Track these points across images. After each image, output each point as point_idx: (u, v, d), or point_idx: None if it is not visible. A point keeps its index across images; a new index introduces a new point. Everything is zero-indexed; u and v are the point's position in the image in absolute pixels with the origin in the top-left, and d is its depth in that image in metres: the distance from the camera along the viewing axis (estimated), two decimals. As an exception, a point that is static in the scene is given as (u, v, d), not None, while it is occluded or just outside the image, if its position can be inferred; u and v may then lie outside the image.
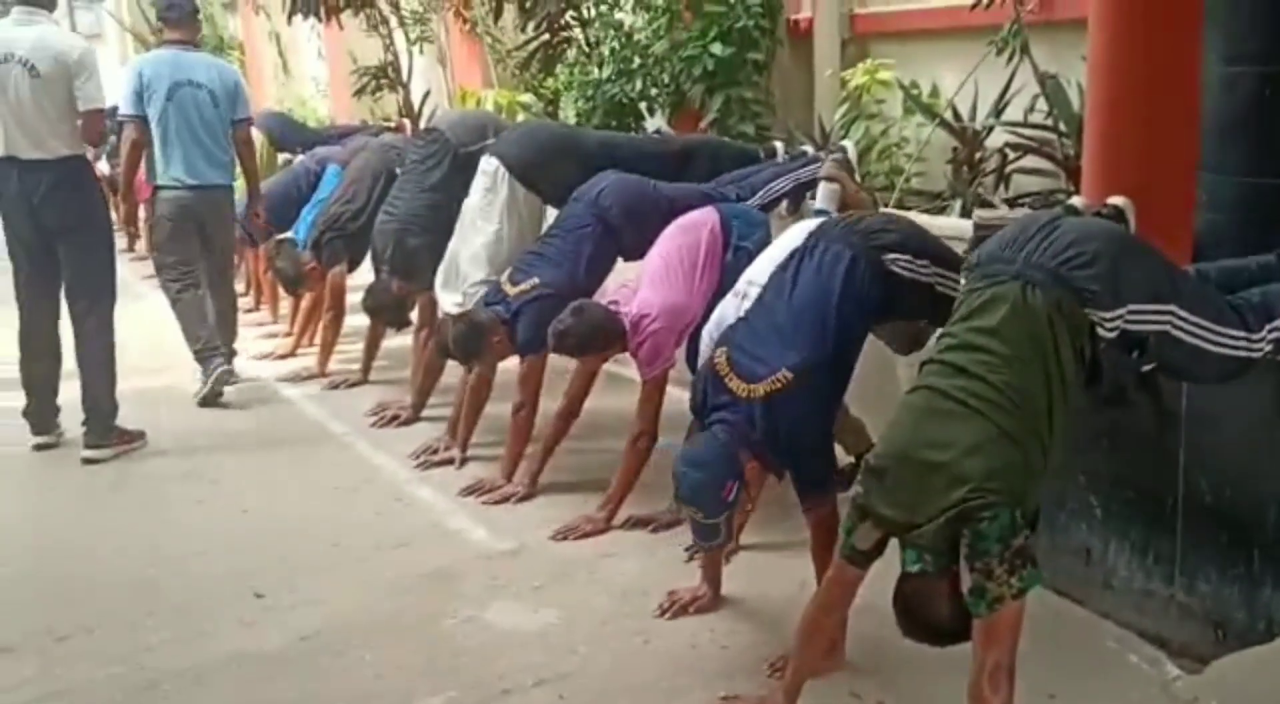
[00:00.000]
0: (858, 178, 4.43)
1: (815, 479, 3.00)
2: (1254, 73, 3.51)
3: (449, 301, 4.69)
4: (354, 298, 5.76)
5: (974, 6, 4.53)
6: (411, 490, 4.47)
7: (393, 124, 8.39)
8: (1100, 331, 2.35)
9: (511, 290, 4.27)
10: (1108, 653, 3.00)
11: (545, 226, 4.66)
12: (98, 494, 4.60)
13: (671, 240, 3.91)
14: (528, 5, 6.70)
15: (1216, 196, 3.63)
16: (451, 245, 4.79)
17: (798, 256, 3.11)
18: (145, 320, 6.90)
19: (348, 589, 3.61)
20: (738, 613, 3.30)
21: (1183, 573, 3.34)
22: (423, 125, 7.07)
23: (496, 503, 4.26)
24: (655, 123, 6.25)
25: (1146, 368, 2.52)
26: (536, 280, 4.23)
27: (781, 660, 2.88)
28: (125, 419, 5.09)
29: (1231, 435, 3.19)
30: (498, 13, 7.03)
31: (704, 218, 3.92)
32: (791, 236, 3.38)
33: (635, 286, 3.91)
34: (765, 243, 3.72)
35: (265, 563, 3.81)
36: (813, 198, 4.20)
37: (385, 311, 5.36)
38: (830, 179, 4.01)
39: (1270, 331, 2.54)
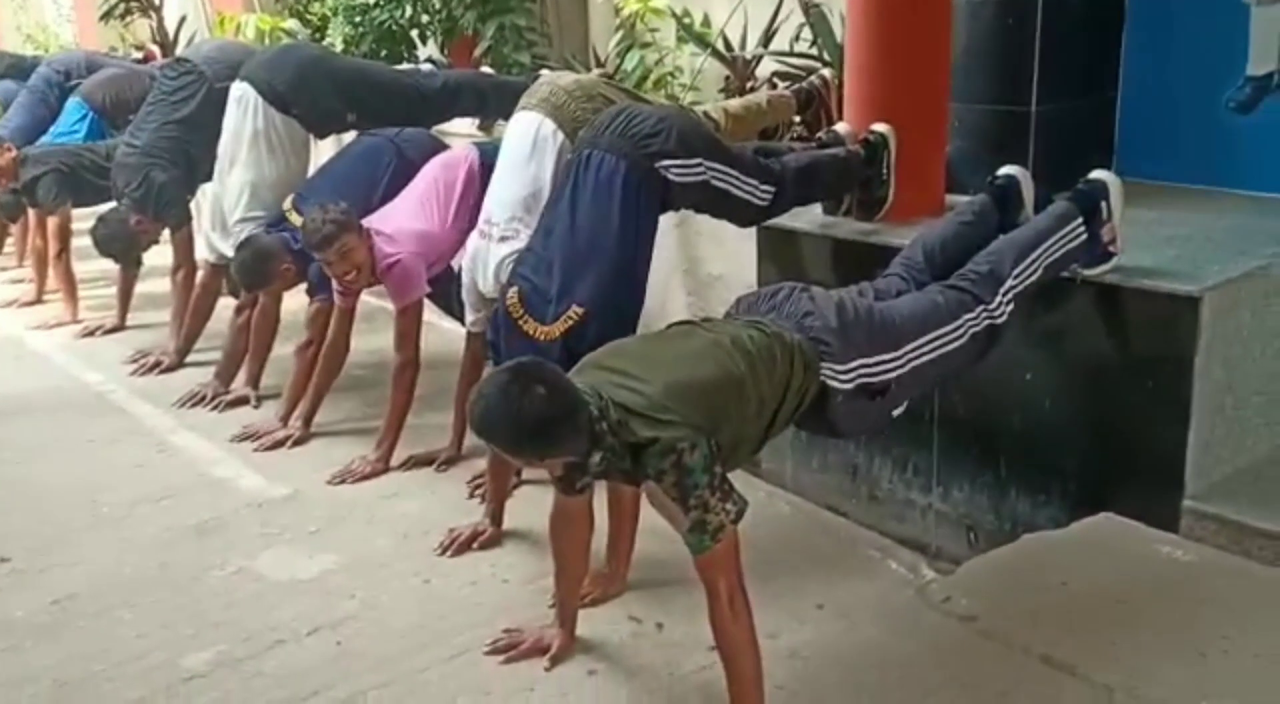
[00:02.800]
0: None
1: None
2: (995, 1, 3.69)
3: (225, 247, 4.46)
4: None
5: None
6: (176, 440, 4.24)
7: (140, 54, 7.81)
8: (833, 385, 2.52)
9: (297, 220, 4.07)
10: (871, 561, 3.14)
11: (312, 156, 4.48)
12: None
13: (430, 173, 3.88)
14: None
15: (965, 124, 3.82)
16: (212, 190, 4.53)
17: (573, 176, 3.05)
18: None
19: (107, 548, 3.41)
20: (520, 546, 3.29)
21: (939, 483, 3.54)
22: (178, 53, 6.60)
23: (269, 449, 4.09)
24: (427, 51, 6.06)
25: (898, 410, 2.72)
26: None
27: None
28: None
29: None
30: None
31: (463, 155, 3.88)
32: (517, 134, 3.38)
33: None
34: None
35: (13, 528, 3.55)
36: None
37: (115, 243, 5.00)
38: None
39: (1005, 293, 2.71)
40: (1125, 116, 3.99)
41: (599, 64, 5.44)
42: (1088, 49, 3.85)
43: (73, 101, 6.01)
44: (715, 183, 3.05)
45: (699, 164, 3.02)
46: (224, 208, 4.45)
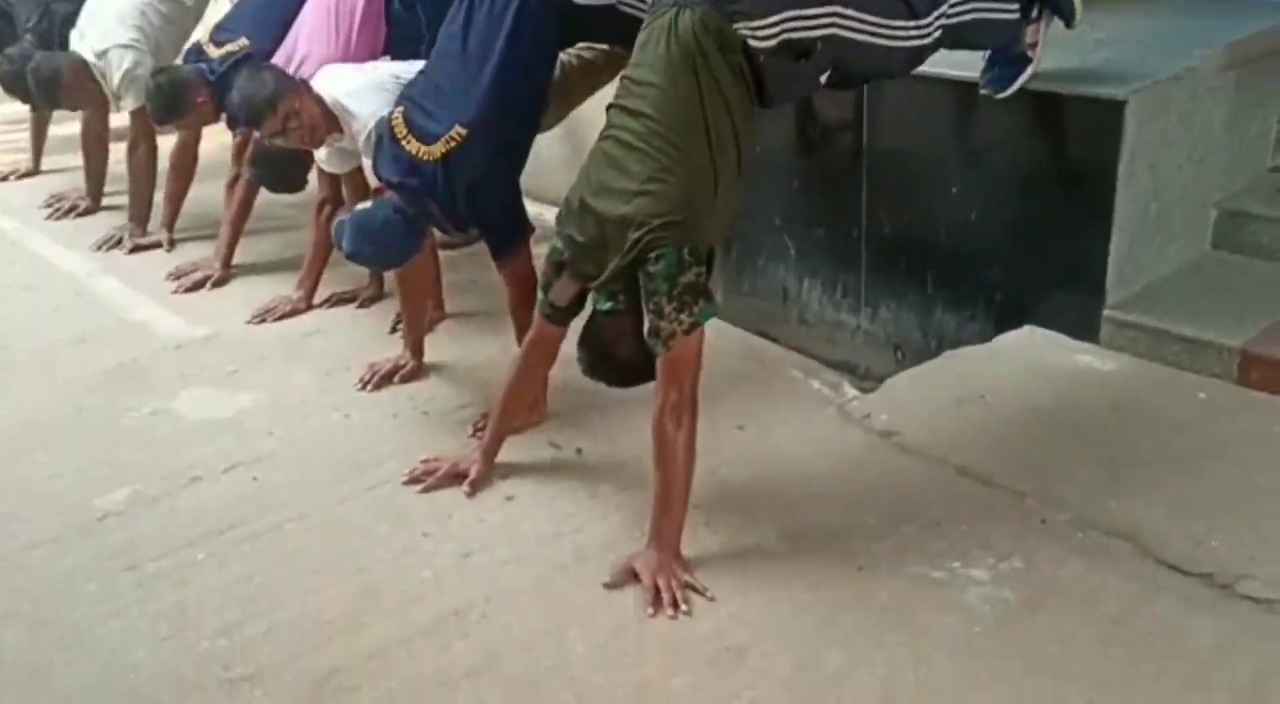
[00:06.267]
0: None
1: (503, 234, 2.92)
2: None
3: (85, 49, 4.27)
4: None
5: None
6: (93, 284, 4.13)
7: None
8: (754, 43, 2.28)
9: (216, 52, 3.86)
10: (794, 382, 3.13)
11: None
12: None
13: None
14: None
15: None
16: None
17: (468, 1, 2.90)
18: None
19: (21, 392, 3.34)
20: (441, 379, 3.25)
21: (867, 303, 3.52)
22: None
23: (190, 290, 3.99)
24: None
25: (824, 77, 2.49)
26: (244, 41, 3.84)
27: (483, 421, 2.87)
28: None
29: (907, 164, 3.31)
30: None
31: None
32: None
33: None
34: None
35: (-78, 374, 3.47)
36: None
37: (20, 82, 4.73)
38: None
39: (936, 18, 2.54)
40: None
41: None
42: None
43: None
44: (620, 5, 2.88)
45: None
46: (102, 15, 4.29)
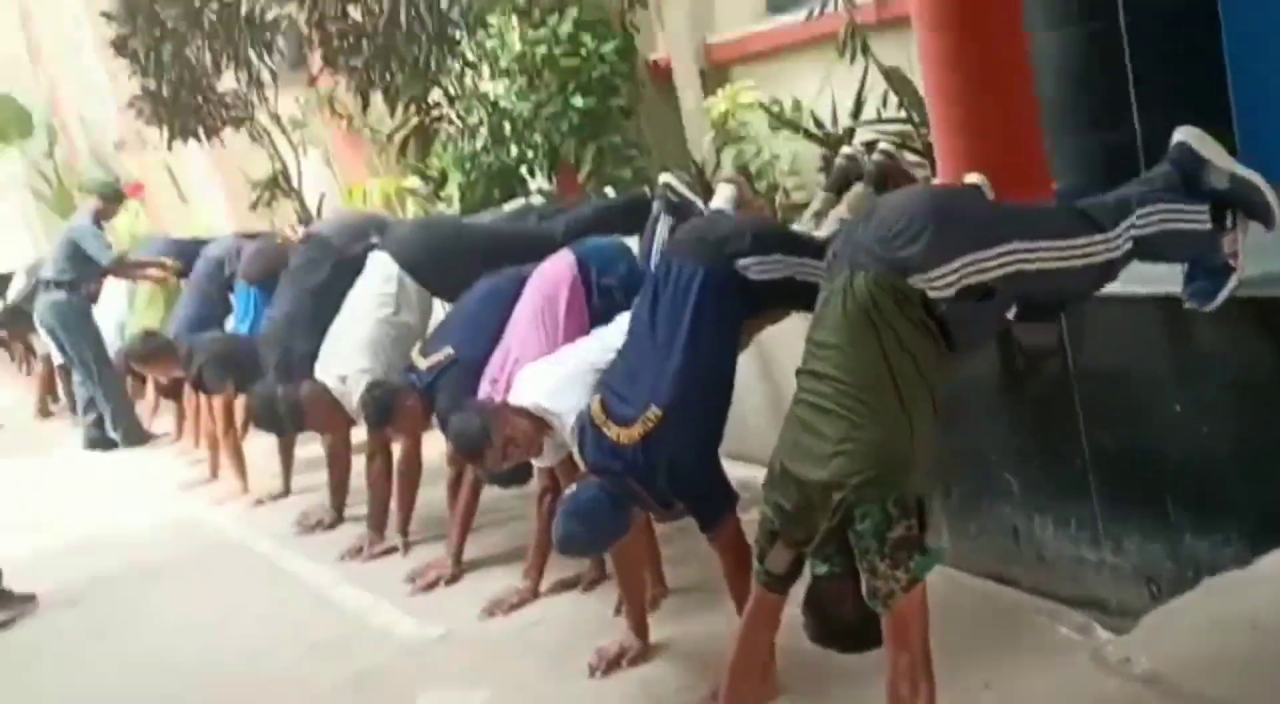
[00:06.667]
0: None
1: (709, 506, 2.93)
2: (1080, 33, 3.55)
3: (329, 375, 4.65)
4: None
5: (807, 18, 4.57)
6: (336, 594, 4.34)
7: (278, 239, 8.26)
8: (933, 294, 2.30)
9: (424, 363, 4.17)
10: (1039, 628, 2.94)
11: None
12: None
13: (531, 302, 3.78)
14: (391, 91, 6.68)
15: (1071, 157, 3.65)
16: (334, 328, 4.75)
17: (654, 282, 3.05)
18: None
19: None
20: (666, 657, 3.21)
21: (1107, 535, 3.29)
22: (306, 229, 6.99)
23: (425, 590, 4.15)
24: (536, 184, 6.25)
25: (1011, 313, 2.47)
26: (450, 351, 4.12)
27: (712, 700, 2.79)
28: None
29: (1122, 386, 3.17)
30: (365, 103, 7.02)
31: (559, 271, 3.78)
32: None
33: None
34: (632, 273, 3.64)
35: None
36: None
37: (277, 420, 5.14)
38: (728, 181, 3.95)
39: (1126, 228, 2.49)
40: (1242, 125, 3.75)
41: (699, 168, 5.48)
42: (1183, 59, 3.65)
43: (238, 286, 6.39)
44: (797, 277, 2.99)
45: (777, 260, 2.97)
46: (342, 344, 4.69)
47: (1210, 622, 2.64)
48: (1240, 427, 2.90)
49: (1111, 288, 2.83)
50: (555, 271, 3.80)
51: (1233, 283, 2.75)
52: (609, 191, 5.64)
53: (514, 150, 6.07)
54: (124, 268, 7.33)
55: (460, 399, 3.82)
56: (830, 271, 2.48)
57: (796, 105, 5.37)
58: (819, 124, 5.08)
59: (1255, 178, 2.74)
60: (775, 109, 5.31)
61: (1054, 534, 3.44)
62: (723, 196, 3.87)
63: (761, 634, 2.62)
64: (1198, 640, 2.59)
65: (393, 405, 4.13)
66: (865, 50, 4.47)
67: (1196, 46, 3.71)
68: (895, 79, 4.50)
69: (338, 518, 5.15)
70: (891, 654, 2.19)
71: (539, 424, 3.31)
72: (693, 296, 2.91)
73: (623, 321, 3.25)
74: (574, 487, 3.01)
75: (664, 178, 3.64)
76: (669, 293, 2.97)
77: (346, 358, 4.67)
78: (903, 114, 4.55)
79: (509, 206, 5.60)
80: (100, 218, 7.42)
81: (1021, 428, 3.47)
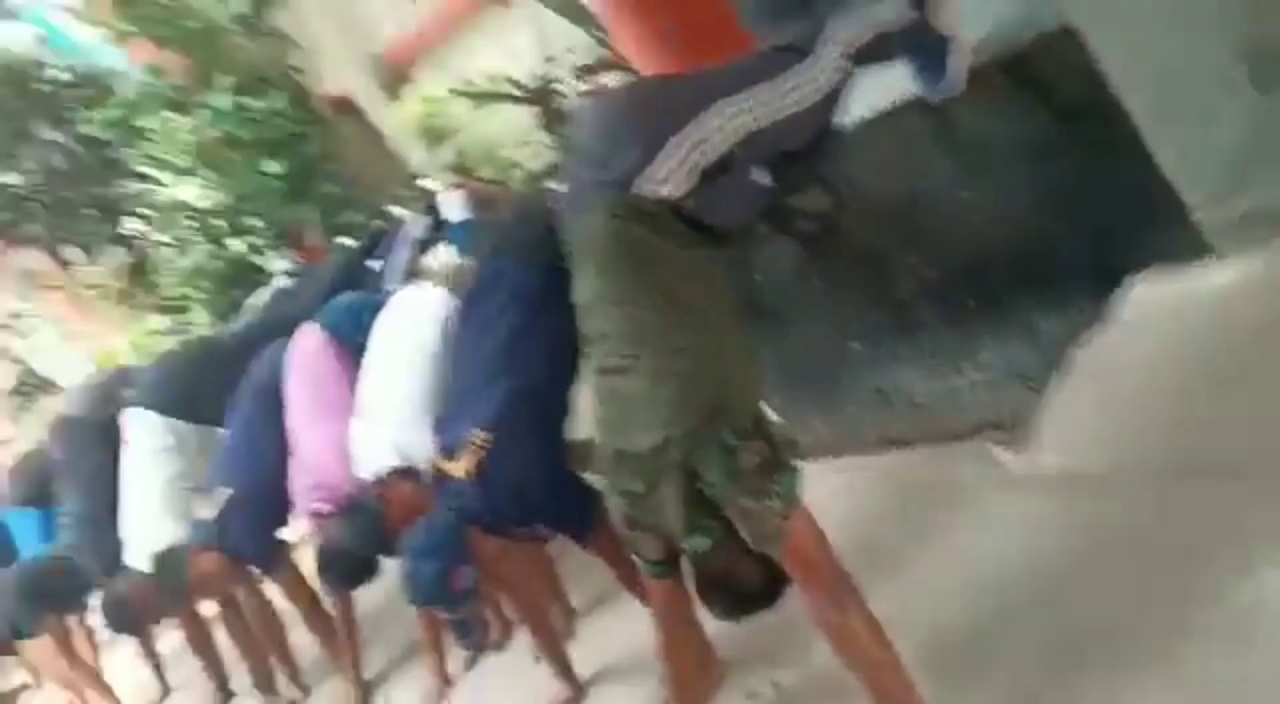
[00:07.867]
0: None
1: (575, 520, 2.63)
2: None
3: (142, 561, 4.12)
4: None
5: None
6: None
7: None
8: (672, 192, 2.04)
9: (207, 514, 3.75)
10: (950, 482, 2.73)
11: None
12: None
13: (300, 396, 3.43)
14: (84, 239, 6.13)
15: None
16: (123, 506, 4.24)
17: (472, 299, 2.76)
18: None
19: None
20: (606, 687, 2.91)
21: (962, 355, 3.14)
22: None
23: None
24: (279, 264, 5.80)
25: (765, 178, 2.22)
26: (227, 490, 3.76)
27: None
28: None
29: (909, 203, 3.00)
30: (63, 262, 6.46)
31: (311, 345, 3.45)
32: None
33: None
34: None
35: None
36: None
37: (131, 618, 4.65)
38: (453, 189, 3.66)
39: (832, 44, 2.28)
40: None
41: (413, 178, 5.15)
42: None
43: (9, 518, 5.70)
44: None
45: None
46: (137, 522, 4.17)
47: (1099, 398, 2.48)
48: (1035, 190, 2.74)
49: (853, 114, 2.64)
50: (308, 347, 3.45)
51: (958, 56, 2.54)
52: (347, 241, 5.24)
53: (233, 244, 5.61)
54: None
55: (260, 534, 3.61)
56: (567, 228, 2.20)
57: (491, 78, 5.08)
58: (518, 84, 4.79)
59: None
60: (472, 89, 5.01)
61: (916, 377, 3.27)
62: (455, 207, 3.58)
63: (678, 627, 2.35)
64: (1097, 421, 2.42)
65: (184, 572, 3.71)
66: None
67: None
68: (571, 11, 4.24)
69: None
70: (803, 588, 1.94)
71: (412, 479, 2.92)
72: (510, 297, 2.61)
73: (373, 344, 3.06)
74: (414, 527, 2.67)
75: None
76: (483, 299, 2.69)
77: (154, 535, 4.17)
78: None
79: (255, 300, 5.17)
80: None
81: (838, 292, 3.28)
